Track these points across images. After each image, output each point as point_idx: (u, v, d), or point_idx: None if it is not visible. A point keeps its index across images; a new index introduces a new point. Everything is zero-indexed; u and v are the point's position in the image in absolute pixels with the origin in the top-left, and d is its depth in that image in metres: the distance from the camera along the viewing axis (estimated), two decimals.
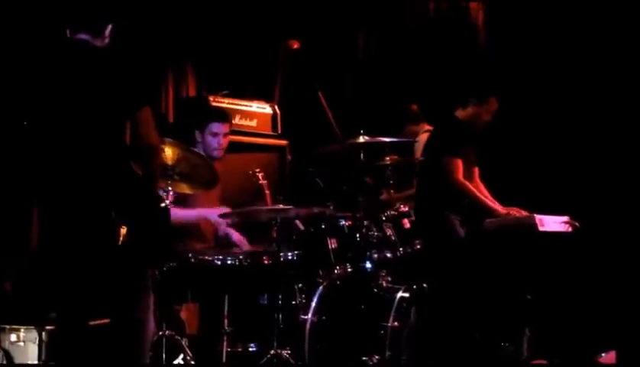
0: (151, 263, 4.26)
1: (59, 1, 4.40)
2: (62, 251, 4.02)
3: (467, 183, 6.08)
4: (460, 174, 6.04)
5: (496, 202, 6.17)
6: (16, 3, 6.08)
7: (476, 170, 6.34)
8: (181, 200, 5.54)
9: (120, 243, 3.96)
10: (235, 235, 5.84)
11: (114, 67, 4.14)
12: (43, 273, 4.15)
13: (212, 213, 5.71)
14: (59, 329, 4.22)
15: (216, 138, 5.85)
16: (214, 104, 6.78)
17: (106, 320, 4.12)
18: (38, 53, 4.28)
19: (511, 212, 6.03)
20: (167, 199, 4.97)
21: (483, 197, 6.11)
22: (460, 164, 6.04)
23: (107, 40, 4.20)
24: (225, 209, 5.68)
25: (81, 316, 4.07)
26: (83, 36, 4.16)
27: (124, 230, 3.96)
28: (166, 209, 4.32)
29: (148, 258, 4.17)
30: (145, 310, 4.15)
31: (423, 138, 6.75)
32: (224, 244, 5.85)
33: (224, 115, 6.05)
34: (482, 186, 6.31)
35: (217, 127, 5.88)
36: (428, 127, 6.99)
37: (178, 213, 5.35)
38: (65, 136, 4.04)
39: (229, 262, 5.41)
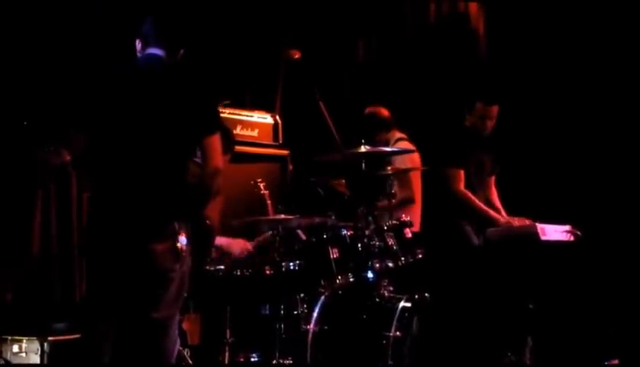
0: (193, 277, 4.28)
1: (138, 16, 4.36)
2: (124, 256, 4.03)
3: (467, 193, 6.07)
4: (460, 185, 6.03)
5: (501, 211, 6.15)
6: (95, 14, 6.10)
7: (492, 179, 6.31)
8: None
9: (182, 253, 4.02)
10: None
11: (191, 88, 4.14)
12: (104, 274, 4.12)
13: (234, 248, 5.71)
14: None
15: None
16: None
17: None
18: (113, 64, 4.28)
19: (512, 222, 6.02)
20: None
21: (483, 207, 6.10)
22: (461, 174, 6.04)
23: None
24: (246, 245, 5.71)
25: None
26: (158, 51, 4.15)
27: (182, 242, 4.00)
28: (211, 228, 4.32)
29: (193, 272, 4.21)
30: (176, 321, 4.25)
31: (401, 145, 6.70)
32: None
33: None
34: (495, 196, 6.28)
35: None
36: (399, 134, 6.85)
37: None
38: (130, 145, 4.06)
39: (231, 272, 5.43)
